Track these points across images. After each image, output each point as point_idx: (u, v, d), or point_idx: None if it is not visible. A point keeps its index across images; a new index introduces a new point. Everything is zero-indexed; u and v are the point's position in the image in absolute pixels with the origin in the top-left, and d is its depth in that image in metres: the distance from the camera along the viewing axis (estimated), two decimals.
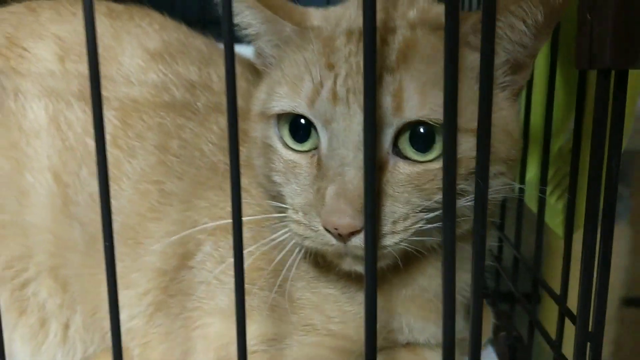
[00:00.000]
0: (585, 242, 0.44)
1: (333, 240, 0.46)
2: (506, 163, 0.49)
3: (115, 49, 0.62)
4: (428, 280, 0.56)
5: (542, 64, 0.60)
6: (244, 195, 0.57)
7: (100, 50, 0.59)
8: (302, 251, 0.51)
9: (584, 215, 0.43)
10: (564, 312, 0.54)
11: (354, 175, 0.45)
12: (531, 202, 0.64)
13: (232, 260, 0.55)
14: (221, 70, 0.64)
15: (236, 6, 0.52)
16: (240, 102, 0.45)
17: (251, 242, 0.56)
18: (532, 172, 0.64)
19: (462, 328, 0.59)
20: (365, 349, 0.41)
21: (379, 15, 0.50)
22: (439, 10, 0.52)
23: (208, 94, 0.62)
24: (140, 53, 0.62)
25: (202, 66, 0.64)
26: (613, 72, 0.40)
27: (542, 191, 0.58)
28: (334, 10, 0.54)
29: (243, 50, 0.70)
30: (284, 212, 0.50)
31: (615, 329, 1.09)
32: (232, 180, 0.42)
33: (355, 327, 0.56)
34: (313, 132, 0.48)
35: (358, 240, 0.45)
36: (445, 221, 0.38)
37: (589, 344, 0.46)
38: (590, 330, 0.45)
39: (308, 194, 0.48)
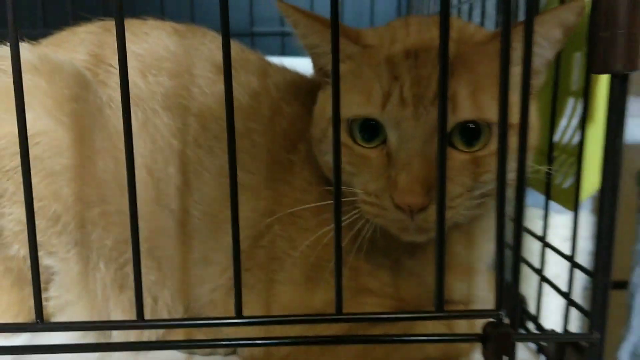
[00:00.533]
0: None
1: (402, 216, 0.58)
2: (531, 150, 0.62)
3: (187, 63, 0.73)
4: (459, 246, 0.69)
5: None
6: (306, 185, 0.70)
7: (176, 65, 0.71)
8: (370, 229, 0.63)
9: (600, 197, 0.56)
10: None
11: (420, 164, 0.57)
12: (537, 186, 0.77)
13: (297, 238, 0.68)
14: (275, 79, 0.76)
15: (305, 31, 0.64)
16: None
17: (314, 224, 0.68)
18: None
19: (484, 288, 0.72)
20: (434, 298, 0.53)
21: (430, 35, 0.62)
22: (472, 29, 0.65)
23: (270, 101, 0.74)
24: (208, 66, 0.73)
25: (260, 77, 0.75)
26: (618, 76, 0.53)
27: (549, 176, 0.72)
28: (382, 31, 0.66)
29: (293, 63, 0.82)
30: (351, 197, 0.62)
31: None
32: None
33: (405, 289, 0.68)
34: (381, 131, 0.60)
35: (423, 215, 0.58)
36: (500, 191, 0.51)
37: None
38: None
39: (380, 181, 0.60)
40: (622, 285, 1.83)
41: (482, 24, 0.88)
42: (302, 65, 0.82)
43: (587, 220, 1.35)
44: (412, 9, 1.65)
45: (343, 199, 0.63)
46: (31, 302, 0.72)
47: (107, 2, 1.45)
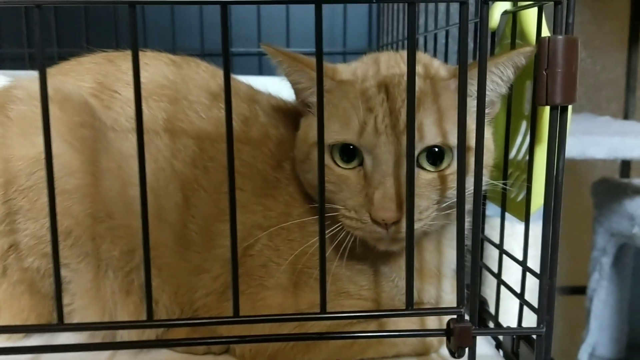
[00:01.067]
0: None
1: (378, 229, 0.68)
2: (486, 168, 0.72)
3: (185, 91, 0.81)
4: (429, 254, 0.78)
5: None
6: (290, 200, 0.78)
7: (174, 92, 0.79)
8: (350, 240, 0.71)
9: (544, 209, 0.65)
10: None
11: (392, 183, 0.66)
12: (495, 200, 0.87)
13: (282, 247, 0.77)
14: (262, 105, 0.85)
15: (288, 70, 0.73)
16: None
17: (299, 235, 0.77)
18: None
19: (450, 291, 0.81)
20: (405, 297, 0.62)
21: (398, 71, 0.72)
22: (436, 65, 0.75)
23: (258, 125, 0.82)
24: (203, 94, 0.82)
25: (249, 103, 0.84)
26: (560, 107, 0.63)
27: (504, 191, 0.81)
28: (356, 67, 0.75)
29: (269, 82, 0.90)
30: (333, 212, 0.71)
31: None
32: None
33: (380, 293, 0.77)
34: (358, 154, 0.70)
35: (396, 227, 0.67)
36: (459, 204, 0.60)
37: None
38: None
39: (358, 198, 0.69)
40: (582, 290, 1.94)
41: (445, 47, 0.98)
42: (279, 84, 0.91)
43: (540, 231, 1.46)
44: (382, 31, 1.75)
45: (325, 215, 0.72)
46: (40, 308, 0.80)
47: (118, 22, 1.53)
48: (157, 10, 1.72)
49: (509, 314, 0.90)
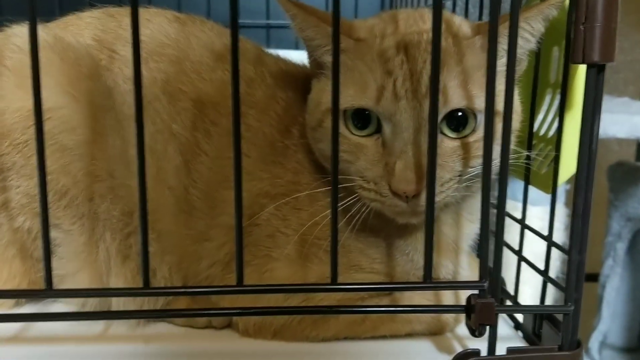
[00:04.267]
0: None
1: (399, 202, 0.63)
2: (513, 133, 0.66)
3: (187, 50, 0.76)
4: (448, 227, 0.73)
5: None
6: (299, 167, 0.73)
7: (176, 51, 0.74)
8: (365, 212, 0.66)
9: (576, 177, 0.60)
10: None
11: (414, 152, 0.61)
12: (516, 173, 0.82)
13: (290, 217, 0.72)
14: (270, 67, 0.80)
15: (302, 24, 0.68)
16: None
17: (307, 204, 0.72)
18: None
19: (466, 267, 0.77)
20: (424, 270, 0.57)
21: (417, 29, 0.66)
22: (457, 22, 0.69)
23: (264, 87, 0.77)
24: (207, 54, 0.77)
25: (256, 65, 0.78)
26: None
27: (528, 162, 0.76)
28: (373, 24, 0.70)
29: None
30: (348, 184, 0.66)
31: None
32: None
33: (394, 267, 0.72)
34: (372, 120, 0.64)
35: (416, 200, 0.62)
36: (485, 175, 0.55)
37: None
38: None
39: (377, 168, 0.64)
40: (594, 277, 1.90)
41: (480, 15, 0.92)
42: (286, 57, 0.86)
43: (560, 213, 1.42)
44: (396, 2, 1.70)
45: (339, 186, 0.67)
46: (32, 274, 0.75)
47: None
48: None
49: (522, 294, 0.86)
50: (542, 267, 0.72)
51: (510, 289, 0.80)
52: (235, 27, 0.53)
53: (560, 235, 1.13)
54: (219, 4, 1.68)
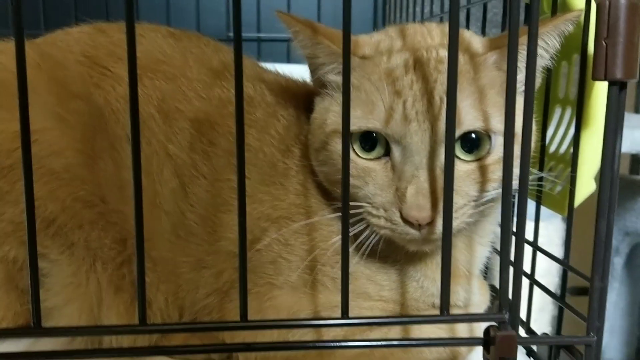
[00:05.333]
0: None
1: (411, 230, 0.59)
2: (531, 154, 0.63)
3: (183, 67, 0.73)
4: (458, 252, 0.70)
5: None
6: (301, 189, 0.70)
7: (172, 68, 0.71)
8: (375, 238, 0.63)
9: (598, 202, 0.57)
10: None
11: (426, 177, 0.58)
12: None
13: (294, 242, 0.68)
14: (270, 84, 0.76)
15: (305, 42, 0.64)
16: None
17: (311, 228, 0.68)
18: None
19: (477, 291, 0.73)
20: (440, 301, 0.53)
21: (426, 45, 0.63)
22: (467, 37, 0.66)
23: (264, 105, 0.73)
24: (204, 71, 0.73)
25: (255, 82, 0.75)
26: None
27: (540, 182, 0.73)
28: (378, 40, 0.66)
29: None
30: (355, 210, 0.62)
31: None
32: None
33: (403, 293, 0.68)
34: (380, 142, 0.61)
35: (429, 228, 0.58)
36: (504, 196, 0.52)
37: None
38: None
39: (387, 194, 0.60)
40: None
41: (483, 26, 0.89)
42: (278, 70, 0.82)
43: (558, 228, 1.39)
44: (388, 18, 1.68)
45: (353, 211, 0.63)
46: (17, 306, 0.70)
47: (110, 5, 1.44)
48: None
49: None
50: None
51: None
52: (239, 44, 0.49)
53: (559, 250, 1.11)
54: (209, 18, 1.66)
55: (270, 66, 0.83)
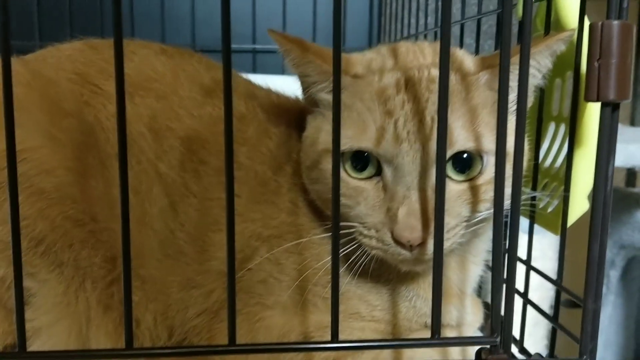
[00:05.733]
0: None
1: (402, 251, 0.58)
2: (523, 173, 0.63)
3: (175, 85, 0.72)
4: (451, 271, 0.69)
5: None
6: (293, 207, 0.69)
7: (163, 86, 0.70)
8: (366, 259, 0.62)
9: (591, 223, 0.57)
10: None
11: (417, 197, 0.57)
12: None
13: (285, 261, 0.68)
14: (262, 101, 0.76)
15: (297, 60, 0.64)
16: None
17: (302, 247, 0.67)
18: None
19: (470, 311, 0.73)
20: (432, 324, 0.53)
21: (418, 64, 0.63)
22: (459, 56, 0.65)
23: (256, 123, 0.73)
24: (196, 89, 0.72)
25: (247, 100, 0.74)
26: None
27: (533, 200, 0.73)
28: (370, 59, 0.66)
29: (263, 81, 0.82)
30: (347, 229, 0.62)
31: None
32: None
33: (395, 313, 0.68)
34: (372, 162, 0.60)
35: (422, 249, 0.58)
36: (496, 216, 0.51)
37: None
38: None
39: (379, 214, 0.59)
40: None
41: (477, 42, 0.89)
42: (273, 82, 0.82)
43: (551, 242, 1.39)
44: (384, 30, 1.67)
45: (344, 231, 0.62)
46: (6, 325, 0.69)
47: (105, 15, 1.44)
48: (147, 3, 1.63)
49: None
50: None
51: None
52: (228, 57, 0.48)
53: (552, 265, 1.10)
54: (204, 30, 1.65)
55: (267, 77, 0.82)
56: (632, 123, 2.05)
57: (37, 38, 1.50)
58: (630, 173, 2.04)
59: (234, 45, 1.53)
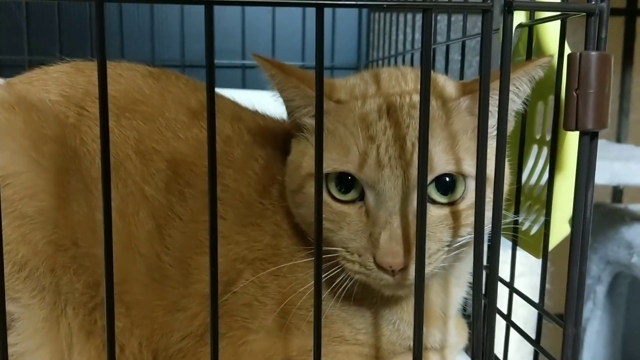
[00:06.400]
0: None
1: (385, 275, 0.59)
2: (504, 197, 0.63)
3: (161, 107, 0.72)
4: (434, 294, 0.70)
5: None
6: (278, 230, 0.69)
7: (150, 108, 0.71)
8: (350, 283, 0.63)
9: (571, 248, 0.57)
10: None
11: (399, 223, 0.58)
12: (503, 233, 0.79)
13: (269, 285, 0.68)
14: (248, 123, 0.76)
15: (281, 85, 0.64)
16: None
17: (287, 271, 0.68)
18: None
19: (453, 332, 0.73)
20: (413, 347, 0.53)
21: (400, 90, 0.64)
22: (441, 82, 0.66)
23: (242, 145, 0.73)
24: (183, 110, 0.73)
25: (233, 122, 0.75)
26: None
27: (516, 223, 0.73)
28: (353, 84, 0.67)
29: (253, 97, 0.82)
30: (330, 254, 0.62)
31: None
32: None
33: (379, 336, 0.68)
34: (356, 185, 0.61)
35: (403, 274, 0.58)
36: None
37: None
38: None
39: (361, 239, 0.60)
40: None
41: (462, 66, 0.90)
42: (262, 98, 0.82)
43: (537, 261, 1.39)
44: (372, 47, 1.69)
45: (322, 256, 0.63)
46: None
47: (93, 30, 1.44)
48: (136, 18, 1.64)
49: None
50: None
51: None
52: (212, 78, 0.49)
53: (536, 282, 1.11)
54: (193, 44, 1.66)
55: (257, 93, 0.82)
56: (619, 139, 2.07)
57: (25, 53, 1.50)
58: (617, 189, 2.06)
59: (223, 61, 1.54)
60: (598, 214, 1.69)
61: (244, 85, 1.68)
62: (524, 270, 1.24)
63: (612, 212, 1.66)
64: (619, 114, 2.07)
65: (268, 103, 0.81)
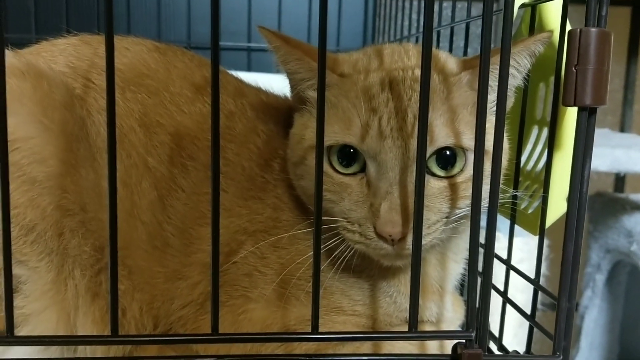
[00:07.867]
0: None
1: (384, 245, 0.60)
2: (502, 172, 0.64)
3: (166, 81, 0.74)
4: (431, 268, 0.71)
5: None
6: (279, 203, 0.70)
7: (155, 82, 0.72)
8: (349, 253, 0.64)
9: (566, 224, 0.58)
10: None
11: (400, 193, 0.59)
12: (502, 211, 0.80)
13: (269, 255, 0.69)
14: (251, 99, 0.77)
15: (285, 57, 0.65)
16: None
17: (287, 242, 0.69)
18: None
19: (450, 308, 0.74)
20: (409, 319, 0.54)
21: (402, 65, 0.64)
22: (443, 58, 0.67)
23: (245, 120, 0.74)
24: (187, 85, 0.74)
25: (236, 98, 0.76)
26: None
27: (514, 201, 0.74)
28: (357, 59, 0.68)
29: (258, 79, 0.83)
30: (331, 224, 0.63)
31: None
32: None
33: (377, 308, 0.69)
34: (358, 158, 0.62)
35: (402, 243, 0.59)
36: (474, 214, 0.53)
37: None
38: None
39: (362, 209, 0.61)
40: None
41: (465, 50, 0.91)
42: (268, 80, 0.83)
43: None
44: (378, 31, 1.69)
45: (323, 226, 0.64)
46: None
47: (100, 8, 1.45)
48: (143, 0, 1.64)
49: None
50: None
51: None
52: (216, 54, 0.50)
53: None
54: (199, 26, 1.66)
55: (262, 76, 0.83)
56: (622, 129, 2.07)
57: (33, 31, 1.50)
58: (619, 178, 2.06)
59: (229, 43, 1.54)
60: (600, 202, 1.70)
61: (249, 68, 1.69)
62: (524, 257, 1.25)
63: (613, 201, 1.67)
64: (623, 104, 2.07)
65: (273, 85, 0.83)
